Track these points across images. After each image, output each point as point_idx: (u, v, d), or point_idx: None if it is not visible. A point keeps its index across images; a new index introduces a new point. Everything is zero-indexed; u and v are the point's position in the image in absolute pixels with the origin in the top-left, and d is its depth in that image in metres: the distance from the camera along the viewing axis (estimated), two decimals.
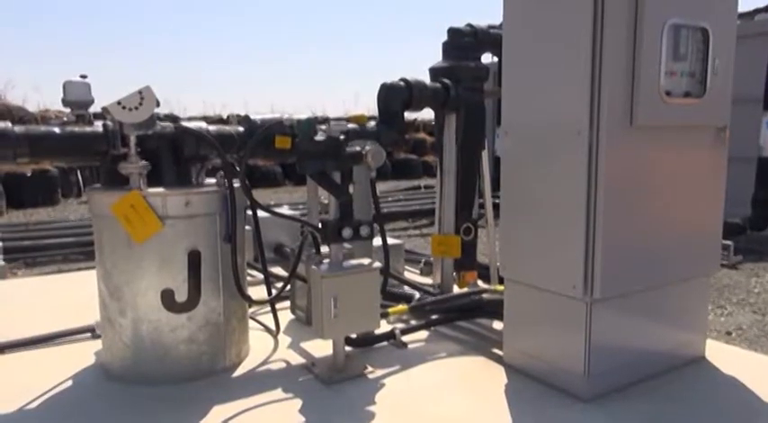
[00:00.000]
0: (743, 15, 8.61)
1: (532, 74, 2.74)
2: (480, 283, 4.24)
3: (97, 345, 3.13)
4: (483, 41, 4.05)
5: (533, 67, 2.73)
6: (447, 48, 4.05)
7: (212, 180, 3.05)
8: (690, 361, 3.04)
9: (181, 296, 2.78)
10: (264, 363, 3.09)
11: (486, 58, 4.17)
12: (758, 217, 7.10)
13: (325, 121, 3.57)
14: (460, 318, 3.51)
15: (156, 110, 2.77)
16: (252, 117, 3.19)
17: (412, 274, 4.78)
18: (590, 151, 2.48)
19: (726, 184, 3.01)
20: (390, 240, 4.65)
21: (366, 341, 3.19)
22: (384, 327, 3.25)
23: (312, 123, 2.79)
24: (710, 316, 4.55)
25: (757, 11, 8.33)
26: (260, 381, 2.88)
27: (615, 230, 2.54)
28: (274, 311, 3.40)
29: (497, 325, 3.35)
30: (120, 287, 2.79)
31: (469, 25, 4.08)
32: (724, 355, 3.13)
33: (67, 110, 2.96)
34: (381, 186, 12.81)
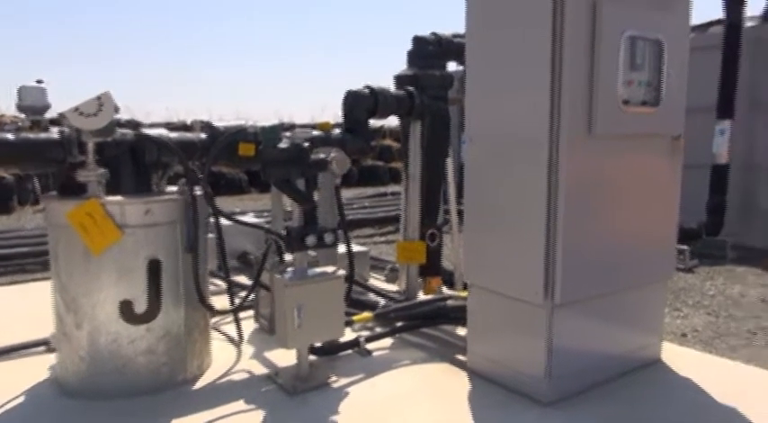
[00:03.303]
0: (697, 28, 8.92)
1: (495, 84, 2.78)
2: (445, 288, 4.27)
3: (52, 359, 3.03)
4: (447, 50, 4.09)
5: (496, 77, 2.78)
6: (412, 56, 4.08)
7: (174, 188, 3.00)
8: (647, 363, 3.11)
9: (140, 307, 2.72)
10: (227, 374, 3.04)
11: (452, 67, 4.22)
12: (712, 222, 7.34)
13: (291, 128, 3.55)
14: (425, 324, 3.52)
15: (117, 116, 2.71)
16: (214, 124, 3.15)
17: (377, 281, 4.78)
18: (550, 159, 2.53)
19: (681, 191, 3.11)
20: (356, 247, 4.67)
21: (331, 350, 3.17)
22: (349, 335, 3.24)
23: (276, 130, 2.77)
24: (667, 318, 4.67)
25: (710, 24, 8.63)
26: (222, 392, 2.83)
27: (575, 237, 2.59)
28: (237, 321, 3.35)
29: (462, 331, 3.37)
30: (76, 299, 2.71)
31: (434, 34, 4.12)
32: (679, 357, 3.21)
33: (23, 115, 2.87)
34: (347, 193, 12.79)
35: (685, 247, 6.53)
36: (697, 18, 8.78)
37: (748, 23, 7.80)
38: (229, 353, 3.30)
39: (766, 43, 7.67)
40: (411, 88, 3.83)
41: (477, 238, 2.95)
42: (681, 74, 2.90)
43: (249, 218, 5.57)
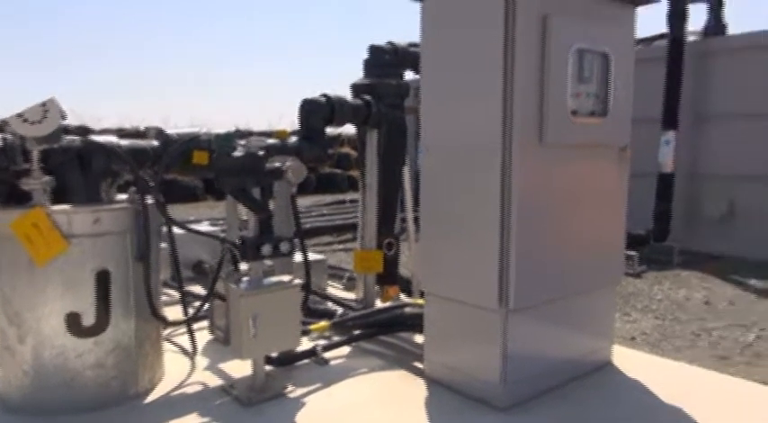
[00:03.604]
0: (643, 41, 9.29)
1: (449, 94, 2.83)
2: (403, 296, 4.29)
3: None
4: (403, 59, 4.13)
5: (450, 87, 2.82)
6: (368, 65, 4.11)
7: (124, 196, 2.92)
8: (598, 366, 3.20)
9: (88, 319, 2.63)
10: (180, 386, 2.97)
11: (409, 75, 4.26)
12: (659, 229, 7.63)
13: (248, 135, 3.52)
14: (382, 332, 3.53)
15: (65, 122, 2.63)
16: (167, 131, 3.09)
17: (335, 290, 4.77)
18: (503, 168, 2.58)
19: (629, 199, 3.22)
20: (313, 256, 4.64)
21: (287, 360, 3.14)
22: (305, 344, 3.22)
23: (230, 138, 2.74)
24: (617, 323, 4.82)
25: (656, 37, 9.00)
26: (175, 405, 2.76)
27: (528, 244, 2.65)
28: (191, 332, 3.28)
29: (419, 338, 3.39)
30: (20, 313, 2.60)
31: (390, 43, 4.16)
32: (628, 360, 3.32)
33: None
34: (305, 201, 12.73)
35: (634, 252, 6.75)
36: (643, 32, 9.14)
37: (691, 38, 8.17)
38: (183, 365, 3.23)
39: (707, 57, 8.03)
40: (368, 97, 3.85)
41: (433, 247, 2.98)
42: (627, 86, 3.01)
43: (204, 227, 5.48)
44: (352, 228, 8.10)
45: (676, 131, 7.66)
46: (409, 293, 4.35)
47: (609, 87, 2.89)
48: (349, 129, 4.24)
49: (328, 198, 14.06)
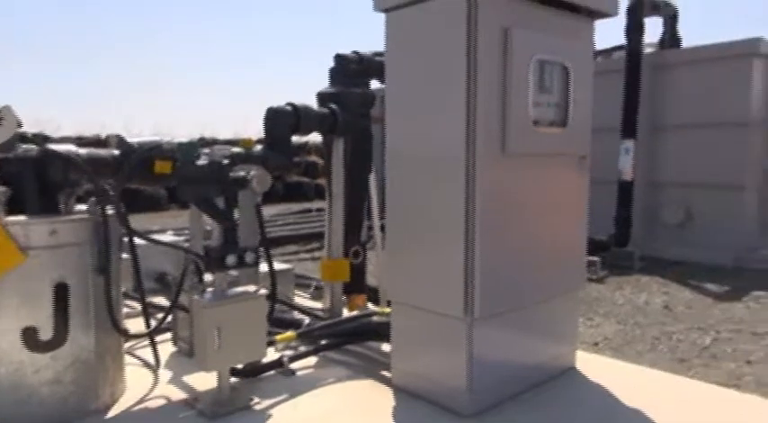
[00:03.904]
0: (602, 52, 9.55)
1: (413, 104, 2.86)
2: (370, 305, 4.29)
3: None
4: (369, 68, 4.15)
5: (414, 97, 2.85)
6: (334, 74, 4.12)
7: (83, 207, 2.85)
8: (562, 371, 3.25)
9: (46, 334, 2.56)
10: (142, 400, 2.91)
11: (375, 84, 4.28)
12: (620, 235, 7.82)
13: (211, 144, 3.49)
14: (350, 342, 3.52)
15: (21, 129, 2.56)
16: (128, 140, 3.03)
17: (302, 299, 4.74)
18: (467, 177, 2.61)
19: (591, 205, 3.29)
20: (279, 265, 4.61)
21: (252, 371, 3.10)
22: (271, 355, 3.19)
23: (194, 147, 2.71)
24: (581, 328, 4.91)
25: (614, 49, 9.26)
26: (137, 420, 2.70)
27: (492, 252, 2.69)
28: (153, 345, 3.22)
29: (386, 347, 3.40)
30: None
31: (356, 52, 4.18)
32: (592, 365, 3.38)
33: None
34: (272, 209, 12.61)
35: (596, 258, 6.90)
36: (603, 44, 9.40)
37: (647, 50, 8.44)
38: (145, 378, 3.16)
39: (663, 69, 8.30)
40: (333, 106, 3.86)
41: (399, 256, 3.00)
42: (586, 96, 3.10)
43: (167, 237, 5.38)
44: (320, 237, 8.07)
45: (635, 140, 7.88)
46: (376, 302, 4.35)
47: (569, 98, 2.97)
48: (316, 137, 4.23)
49: (295, 207, 13.97)
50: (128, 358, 3.21)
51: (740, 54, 7.58)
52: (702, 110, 7.87)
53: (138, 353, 3.46)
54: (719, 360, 4.27)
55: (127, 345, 3.37)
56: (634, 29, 7.92)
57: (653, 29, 8.78)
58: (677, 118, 8.14)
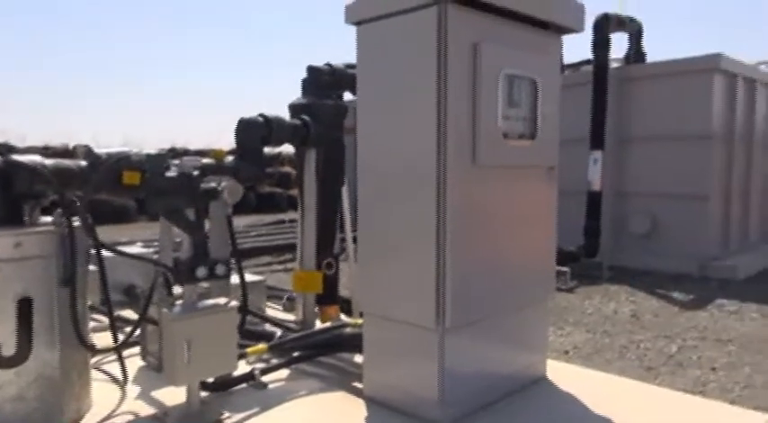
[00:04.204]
0: (571, 66, 9.78)
1: (385, 116, 2.88)
2: (343, 316, 4.28)
3: None
4: (341, 80, 4.17)
5: (385, 110, 2.87)
6: (306, 85, 4.12)
7: (49, 218, 2.80)
8: (534, 380, 3.29)
9: (8, 349, 2.49)
10: (109, 416, 2.84)
11: (348, 96, 4.30)
12: (589, 245, 7.96)
13: (182, 155, 3.45)
14: (322, 353, 3.50)
15: None
16: (96, 150, 2.99)
17: (274, 311, 4.70)
18: (437, 189, 2.64)
19: (561, 216, 3.35)
20: (252, 277, 4.57)
21: (223, 385, 3.06)
22: (243, 368, 3.15)
23: (163, 158, 2.68)
24: (551, 337, 4.98)
25: (582, 63, 9.49)
26: None
27: (463, 262, 2.72)
28: (121, 359, 3.16)
29: (359, 358, 3.39)
30: None
31: (328, 64, 4.19)
32: (562, 373, 3.43)
33: None
34: (245, 220, 12.51)
35: (566, 268, 7.00)
36: (572, 58, 9.63)
37: (614, 65, 8.66)
38: (113, 394, 3.09)
39: (629, 83, 8.52)
40: (305, 117, 3.86)
41: (371, 267, 3.00)
42: (554, 109, 3.16)
43: (136, 248, 5.30)
44: (292, 248, 8.02)
45: (603, 151, 8.05)
46: (349, 313, 4.34)
47: (537, 111, 3.03)
48: (289, 148, 4.23)
49: (268, 218, 13.88)
50: (95, 374, 3.14)
51: (702, 69, 7.83)
52: (667, 122, 8.10)
53: (105, 368, 3.39)
54: (685, 367, 4.37)
55: (94, 360, 3.31)
56: (600, 44, 8.13)
57: (619, 44, 9.02)
58: (643, 130, 8.35)
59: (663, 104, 8.13)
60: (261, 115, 3.70)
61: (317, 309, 4.10)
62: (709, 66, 7.78)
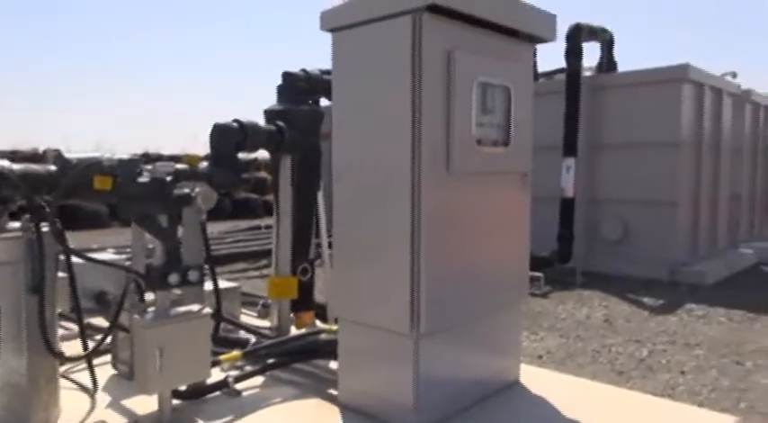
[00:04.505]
0: (545, 75, 9.93)
1: (360, 123, 2.90)
2: (318, 323, 4.26)
3: None
4: (316, 86, 4.18)
5: (361, 117, 2.89)
6: (281, 91, 4.12)
7: (17, 224, 2.74)
8: (507, 385, 3.32)
9: None
10: None
11: (325, 102, 4.30)
12: (563, 251, 8.06)
13: (155, 160, 3.41)
14: (297, 360, 3.49)
15: None
16: (66, 155, 2.94)
17: (249, 318, 4.67)
18: (412, 195, 2.66)
19: (535, 222, 3.40)
20: (226, 283, 4.53)
21: (196, 392, 3.03)
22: (216, 375, 3.12)
23: (135, 163, 2.65)
24: (525, 342, 5.03)
25: (556, 72, 9.64)
26: None
27: (437, 268, 2.74)
28: (91, 367, 3.10)
29: (334, 365, 3.38)
30: None
31: (304, 70, 4.20)
32: (535, 378, 3.47)
33: None
34: (220, 226, 12.36)
35: (540, 274, 7.08)
36: (546, 66, 9.77)
37: (587, 73, 8.82)
38: (82, 402, 3.03)
39: (601, 91, 8.68)
40: (281, 123, 3.86)
41: (345, 272, 3.01)
42: (527, 117, 3.21)
43: (107, 255, 5.21)
44: (268, 254, 7.99)
45: (576, 158, 8.18)
46: (325, 319, 4.33)
47: (510, 118, 3.07)
48: (265, 153, 4.21)
49: (244, 223, 13.74)
50: (64, 382, 3.08)
51: (671, 79, 8.02)
52: (637, 130, 8.26)
53: (75, 377, 3.32)
54: (655, 371, 4.45)
55: (63, 368, 3.24)
56: (573, 53, 8.27)
57: (592, 53, 9.18)
58: (614, 138, 8.50)
59: (633, 112, 8.29)
60: (236, 121, 3.68)
61: (292, 315, 4.09)
62: (678, 75, 7.97)
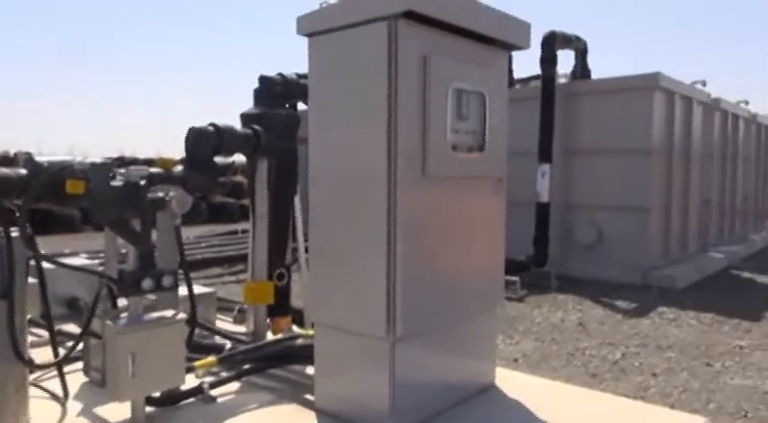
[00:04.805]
0: (521, 81, 10.06)
1: (336, 127, 2.90)
2: (295, 327, 4.25)
3: None
4: (293, 90, 4.18)
5: (337, 121, 2.90)
6: (258, 95, 4.11)
7: None
8: (482, 389, 3.34)
9: None
10: None
11: (302, 106, 4.30)
12: (538, 255, 8.16)
13: (131, 164, 3.37)
14: (273, 365, 3.47)
15: None
16: (36, 158, 2.89)
17: (225, 323, 4.62)
18: (388, 199, 2.67)
19: (511, 227, 3.43)
20: (201, 289, 4.49)
21: (170, 399, 2.99)
22: (192, 382, 3.09)
23: (108, 167, 2.62)
24: (501, 345, 5.08)
25: (532, 78, 9.77)
26: None
27: (413, 272, 2.75)
28: (62, 375, 3.04)
29: (311, 370, 3.37)
30: None
31: (280, 74, 4.20)
32: (510, 381, 3.50)
33: None
34: (196, 231, 12.24)
35: (516, 278, 7.15)
36: (522, 72, 9.90)
37: (561, 80, 8.96)
38: (53, 411, 2.97)
39: (575, 98, 8.82)
40: (257, 127, 3.84)
41: (322, 276, 3.01)
42: (501, 123, 3.25)
43: (79, 260, 5.13)
44: (245, 259, 7.92)
45: (551, 164, 8.29)
46: (302, 324, 4.31)
47: (485, 124, 3.11)
48: (243, 157, 4.19)
49: (220, 228, 13.62)
50: (34, 390, 3.01)
51: (642, 87, 8.18)
52: (610, 137, 8.40)
53: (45, 384, 3.25)
54: (628, 374, 4.52)
55: (33, 376, 3.18)
56: (548, 60, 8.40)
57: (567, 61, 9.33)
58: (588, 144, 8.64)
59: (607, 119, 8.44)
60: (212, 124, 3.66)
61: (268, 320, 4.06)
62: (650, 83, 8.14)
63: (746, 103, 12.13)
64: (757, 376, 4.45)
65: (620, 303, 6.85)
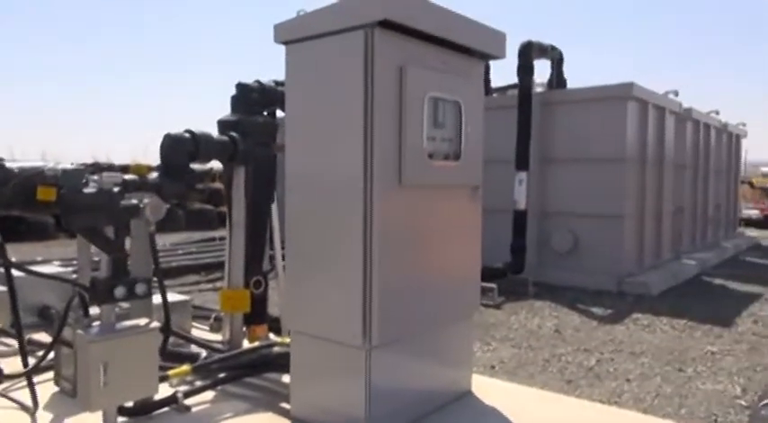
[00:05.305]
0: (499, 90, 10.17)
1: (313, 135, 2.91)
2: (272, 336, 4.22)
3: None
4: (270, 98, 4.18)
5: (314, 129, 2.90)
6: (235, 102, 4.10)
7: None
8: (459, 396, 3.36)
9: None
10: None
11: (281, 113, 4.29)
12: (516, 262, 8.24)
13: (104, 170, 3.33)
14: (249, 374, 3.44)
15: None
16: (7, 164, 2.84)
17: (201, 331, 4.58)
18: (365, 208, 2.68)
19: (488, 234, 3.46)
20: (176, 296, 4.45)
21: (143, 409, 2.95)
22: (165, 391, 3.05)
23: (80, 174, 2.59)
24: (478, 352, 5.11)
25: (509, 87, 9.89)
26: None
27: (389, 280, 2.76)
28: (31, 385, 2.98)
29: (287, 378, 3.35)
30: None
31: (258, 81, 4.19)
32: (487, 388, 3.52)
33: None
34: (173, 238, 12.11)
35: (494, 285, 7.20)
36: (499, 81, 10.01)
37: (538, 89, 9.08)
38: (22, 421, 2.91)
39: (551, 106, 8.95)
40: (234, 133, 3.83)
41: (298, 284, 3.00)
42: (477, 131, 3.29)
43: (52, 267, 5.03)
44: (222, 266, 7.86)
45: (528, 172, 8.39)
46: (279, 332, 4.29)
47: (461, 133, 3.14)
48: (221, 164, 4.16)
49: (197, 235, 13.48)
50: (3, 401, 2.95)
51: (616, 96, 8.33)
52: (585, 145, 8.53)
53: (14, 394, 3.18)
54: (602, 379, 4.58)
55: (2, 386, 3.11)
56: (525, 69, 8.51)
57: (543, 70, 9.45)
58: (564, 152, 8.76)
59: (582, 128, 8.57)
60: (188, 131, 3.64)
61: (244, 328, 4.03)
62: (623, 93, 8.29)
63: (717, 112, 12.42)
64: (728, 381, 4.54)
65: (595, 310, 6.94)
